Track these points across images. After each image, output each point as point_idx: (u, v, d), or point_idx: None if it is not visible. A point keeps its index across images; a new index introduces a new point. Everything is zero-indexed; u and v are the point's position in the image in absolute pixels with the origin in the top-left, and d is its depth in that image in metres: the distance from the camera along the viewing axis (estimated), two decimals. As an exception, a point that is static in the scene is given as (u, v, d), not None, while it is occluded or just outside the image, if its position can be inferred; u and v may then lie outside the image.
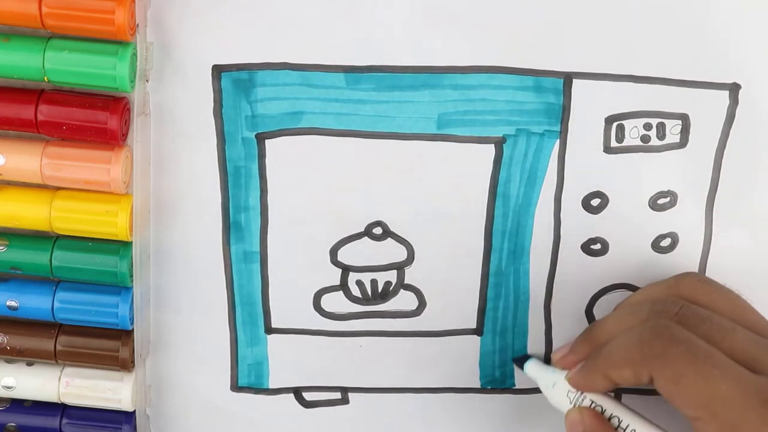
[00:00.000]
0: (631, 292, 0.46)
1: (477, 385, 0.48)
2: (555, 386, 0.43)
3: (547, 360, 0.47)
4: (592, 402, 0.42)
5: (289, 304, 0.46)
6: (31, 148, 0.41)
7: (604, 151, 0.43)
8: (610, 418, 0.41)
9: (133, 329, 0.44)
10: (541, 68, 0.42)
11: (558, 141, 0.43)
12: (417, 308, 0.46)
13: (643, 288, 0.45)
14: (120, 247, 0.43)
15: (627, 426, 0.41)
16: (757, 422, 0.36)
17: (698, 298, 0.41)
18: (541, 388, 0.44)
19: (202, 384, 0.47)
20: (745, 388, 0.36)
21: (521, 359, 0.46)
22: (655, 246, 0.45)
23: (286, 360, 0.47)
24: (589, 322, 0.47)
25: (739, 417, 0.36)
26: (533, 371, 0.45)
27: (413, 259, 0.45)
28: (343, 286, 0.46)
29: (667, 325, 0.38)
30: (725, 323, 0.39)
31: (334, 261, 0.45)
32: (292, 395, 0.48)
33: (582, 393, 0.42)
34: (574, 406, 0.42)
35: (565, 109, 0.42)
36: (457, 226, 0.44)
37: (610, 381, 0.40)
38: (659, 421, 0.41)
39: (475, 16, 0.41)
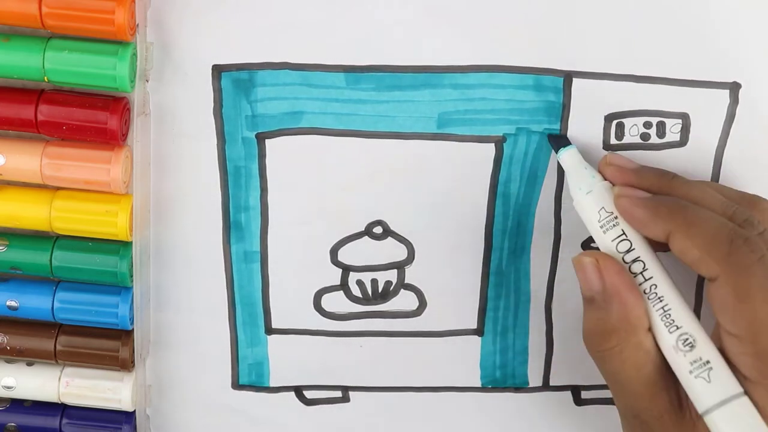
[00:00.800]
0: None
1: (478, 384, 0.48)
2: (590, 194, 0.40)
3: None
4: (623, 233, 0.39)
5: (290, 304, 0.46)
6: (31, 148, 0.41)
7: (604, 148, 0.43)
8: (634, 261, 0.39)
9: (133, 329, 0.44)
10: (541, 67, 0.42)
11: (558, 139, 0.43)
12: (417, 308, 0.46)
13: (727, 187, 0.41)
14: (120, 247, 0.43)
15: (651, 278, 0.38)
16: None
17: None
18: (570, 185, 0.41)
19: (203, 384, 0.47)
20: None
21: (558, 140, 0.42)
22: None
23: (287, 360, 0.47)
24: (589, 322, 0.47)
25: None
26: (569, 161, 0.41)
27: (413, 259, 0.45)
28: (344, 286, 0.46)
29: (759, 245, 0.36)
30: None
31: (335, 261, 0.45)
32: (293, 393, 0.48)
33: (616, 219, 0.39)
34: (602, 227, 0.39)
35: (565, 108, 0.42)
36: (458, 226, 0.44)
37: (665, 236, 0.38)
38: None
39: (475, 15, 0.41)
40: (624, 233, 0.39)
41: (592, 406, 0.48)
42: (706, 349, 0.37)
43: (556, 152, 0.42)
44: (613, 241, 0.39)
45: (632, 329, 0.38)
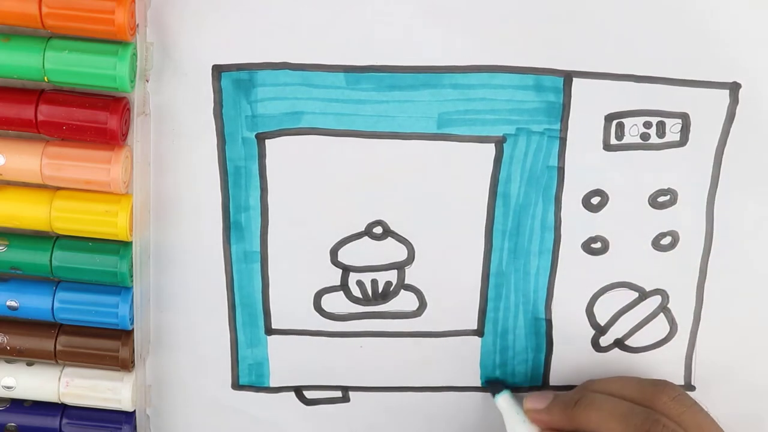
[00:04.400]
0: (631, 291, 0.46)
1: (478, 384, 0.48)
2: None
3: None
4: None
5: (290, 304, 0.46)
6: (31, 148, 0.41)
7: (604, 148, 0.43)
8: None
9: (133, 329, 0.44)
10: (541, 67, 0.42)
11: (558, 139, 0.43)
12: (417, 309, 0.46)
13: (621, 381, 0.45)
14: (120, 247, 0.43)
15: None
16: None
17: (670, 414, 0.42)
18: (507, 427, 0.46)
19: (203, 384, 0.47)
20: None
21: (495, 385, 0.47)
22: (656, 244, 0.45)
23: (287, 361, 0.47)
24: (589, 322, 0.47)
25: None
26: (504, 406, 0.46)
27: (414, 259, 0.45)
28: (344, 287, 0.46)
29: None
30: None
31: (335, 261, 0.45)
32: (293, 393, 0.48)
33: None
34: None
35: (565, 108, 0.42)
36: (458, 226, 0.44)
37: None
38: None
39: (475, 15, 0.41)
40: None
41: (591, 406, 0.48)
42: None
43: (493, 397, 0.46)
44: None
45: None
